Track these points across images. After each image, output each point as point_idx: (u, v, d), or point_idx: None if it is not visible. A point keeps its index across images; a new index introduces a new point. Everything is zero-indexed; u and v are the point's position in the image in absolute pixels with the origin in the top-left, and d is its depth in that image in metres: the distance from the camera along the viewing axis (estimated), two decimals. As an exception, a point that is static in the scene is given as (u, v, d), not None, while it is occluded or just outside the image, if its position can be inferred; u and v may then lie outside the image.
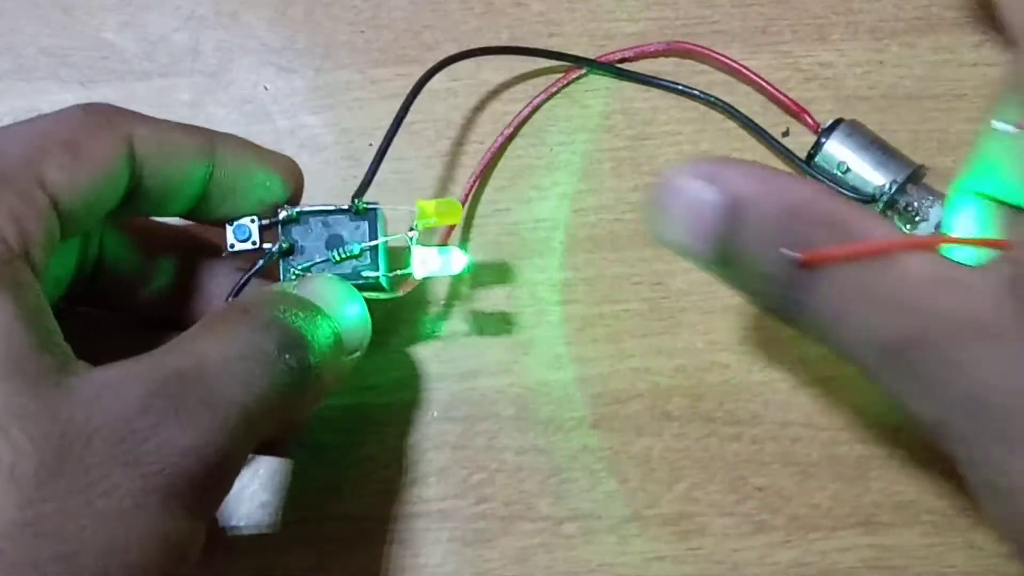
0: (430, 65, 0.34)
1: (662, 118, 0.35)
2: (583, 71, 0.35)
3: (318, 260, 0.29)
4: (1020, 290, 0.20)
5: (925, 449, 0.32)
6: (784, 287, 0.22)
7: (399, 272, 0.30)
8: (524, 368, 0.33)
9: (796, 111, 0.34)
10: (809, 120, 0.34)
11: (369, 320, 0.29)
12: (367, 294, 0.29)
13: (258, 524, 0.32)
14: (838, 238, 0.21)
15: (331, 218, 0.30)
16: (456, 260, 0.30)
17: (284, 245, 0.29)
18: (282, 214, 0.29)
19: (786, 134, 0.35)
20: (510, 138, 0.35)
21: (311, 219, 0.29)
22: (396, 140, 0.35)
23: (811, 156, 0.33)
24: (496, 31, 0.36)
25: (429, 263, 0.30)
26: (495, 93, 0.35)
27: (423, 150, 0.35)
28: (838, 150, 0.33)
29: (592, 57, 0.35)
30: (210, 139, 0.28)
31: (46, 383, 0.21)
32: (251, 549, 0.32)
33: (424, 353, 0.33)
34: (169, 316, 0.30)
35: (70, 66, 0.36)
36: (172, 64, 0.36)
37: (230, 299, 0.29)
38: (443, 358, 0.33)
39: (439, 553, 0.32)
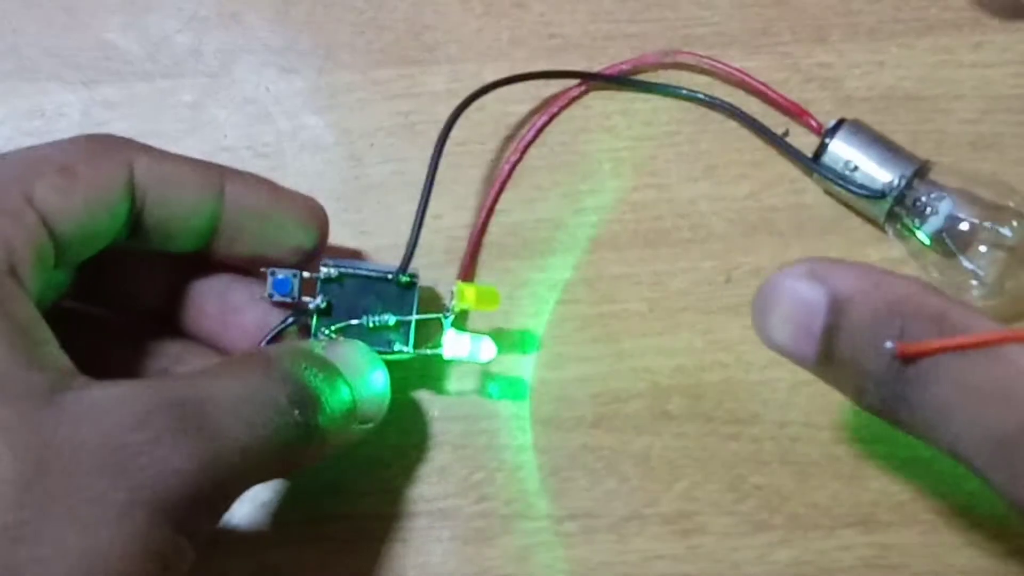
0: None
1: (662, 118, 0.35)
2: (584, 88, 0.35)
3: (353, 323, 0.29)
4: None
5: (925, 449, 0.32)
6: (888, 383, 0.21)
7: (427, 351, 0.31)
8: (524, 368, 0.33)
9: (797, 113, 0.34)
10: (812, 122, 0.34)
11: (388, 394, 0.29)
12: (387, 356, 0.30)
13: (258, 524, 0.32)
14: (940, 332, 0.21)
15: (372, 284, 0.30)
16: (486, 349, 0.31)
17: (323, 304, 0.29)
18: (324, 272, 0.29)
19: (786, 135, 0.35)
20: (516, 164, 0.35)
21: (352, 281, 0.30)
22: (396, 140, 0.35)
23: (816, 157, 0.33)
24: (496, 32, 0.36)
25: (459, 347, 0.31)
26: (496, 93, 0.35)
27: (424, 150, 0.35)
28: (843, 150, 0.33)
29: (595, 71, 0.35)
30: (219, 174, 0.28)
31: (34, 400, 0.21)
32: (252, 549, 0.32)
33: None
34: (163, 317, 0.30)
35: (72, 67, 0.36)
36: (174, 65, 0.36)
37: (262, 344, 0.29)
38: (443, 358, 0.33)
39: (439, 552, 0.32)
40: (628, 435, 0.33)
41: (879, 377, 0.21)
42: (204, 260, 0.30)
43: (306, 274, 0.29)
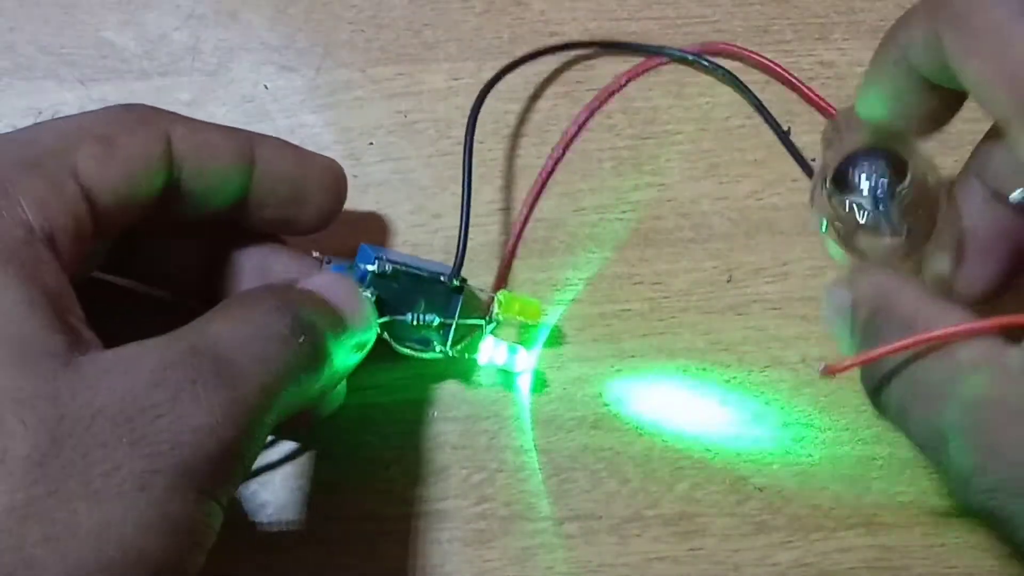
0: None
1: (663, 118, 0.35)
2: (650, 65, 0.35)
3: (397, 318, 0.30)
4: None
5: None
6: (867, 386, 0.24)
7: (466, 355, 0.31)
8: (524, 368, 0.33)
9: (832, 114, 0.34)
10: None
11: (375, 315, 0.29)
12: (424, 355, 0.31)
13: (257, 525, 0.32)
14: (905, 335, 0.22)
15: (421, 282, 0.30)
16: (521, 361, 0.32)
17: (372, 298, 0.29)
18: (378, 266, 0.30)
19: (788, 132, 0.35)
20: (572, 139, 0.35)
21: (403, 278, 0.30)
22: (396, 139, 0.35)
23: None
24: (497, 30, 0.36)
25: (495, 355, 0.32)
26: (496, 92, 0.35)
27: (423, 149, 0.35)
28: None
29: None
30: (249, 140, 0.28)
31: (52, 365, 0.21)
32: (251, 549, 0.32)
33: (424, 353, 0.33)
34: (200, 292, 0.30)
35: (70, 65, 0.36)
36: (172, 63, 0.36)
37: None
38: (443, 358, 0.33)
39: (439, 553, 0.32)
40: (629, 436, 0.32)
41: (864, 381, 0.24)
42: (235, 232, 0.30)
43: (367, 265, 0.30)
